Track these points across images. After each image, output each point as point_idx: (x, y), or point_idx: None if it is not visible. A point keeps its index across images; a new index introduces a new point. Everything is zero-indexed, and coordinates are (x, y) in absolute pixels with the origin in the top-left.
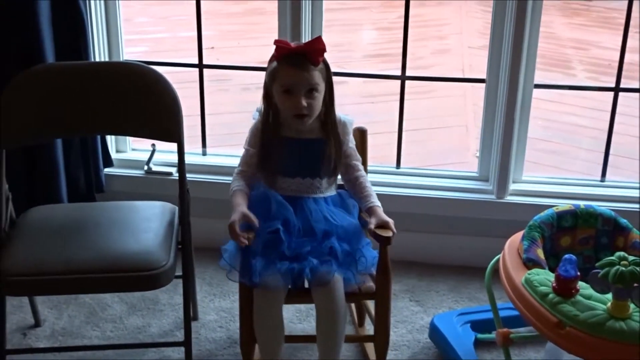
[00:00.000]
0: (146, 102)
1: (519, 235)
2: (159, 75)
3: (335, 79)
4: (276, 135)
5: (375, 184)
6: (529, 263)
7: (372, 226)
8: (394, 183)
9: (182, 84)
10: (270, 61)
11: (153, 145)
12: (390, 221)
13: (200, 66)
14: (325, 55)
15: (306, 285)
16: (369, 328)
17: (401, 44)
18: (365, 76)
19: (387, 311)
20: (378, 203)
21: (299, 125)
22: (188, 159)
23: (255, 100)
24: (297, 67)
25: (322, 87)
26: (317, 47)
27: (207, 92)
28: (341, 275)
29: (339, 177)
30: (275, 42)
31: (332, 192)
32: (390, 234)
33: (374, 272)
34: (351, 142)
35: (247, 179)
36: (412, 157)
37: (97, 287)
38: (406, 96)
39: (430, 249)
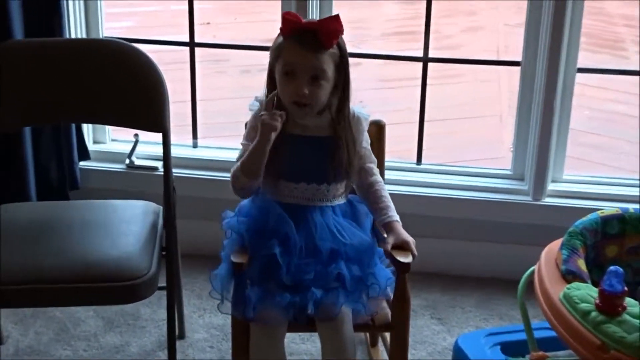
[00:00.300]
0: (128, 85)
1: (557, 243)
2: (143, 55)
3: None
4: (280, 131)
5: (392, 182)
6: (569, 276)
7: (388, 246)
8: (413, 181)
9: (171, 65)
10: (277, 37)
11: (136, 135)
12: (411, 241)
13: (192, 44)
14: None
15: (310, 310)
16: (382, 350)
17: (424, 20)
18: (383, 57)
19: (405, 344)
20: (397, 217)
21: (299, 117)
22: (176, 152)
23: (256, 84)
24: (303, 46)
25: (330, 75)
26: (331, 26)
27: (200, 75)
28: (350, 308)
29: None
30: (284, 14)
31: (341, 200)
32: (410, 259)
33: (390, 294)
34: (365, 142)
35: None
36: (436, 152)
37: (69, 299)
38: (430, 81)
39: (455, 259)
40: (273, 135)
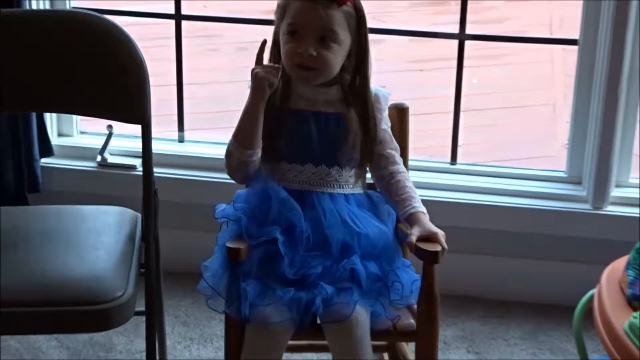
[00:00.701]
0: (99, 66)
1: (622, 262)
2: (118, 29)
3: (370, 36)
4: (283, 105)
5: (420, 186)
6: (635, 302)
7: (413, 238)
8: (447, 185)
9: (153, 41)
10: None
11: (109, 127)
12: (440, 232)
13: (178, 17)
14: None
15: (317, 309)
16: None
17: None
18: (410, 34)
19: (433, 357)
20: (423, 209)
21: (305, 82)
22: (158, 147)
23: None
24: (313, 2)
25: (342, 38)
26: None
27: (188, 54)
28: (366, 308)
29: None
30: None
31: (356, 189)
32: (438, 248)
33: (414, 303)
34: (385, 124)
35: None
36: (474, 149)
37: (27, 326)
38: (467, 62)
39: (497, 280)
40: (268, 91)
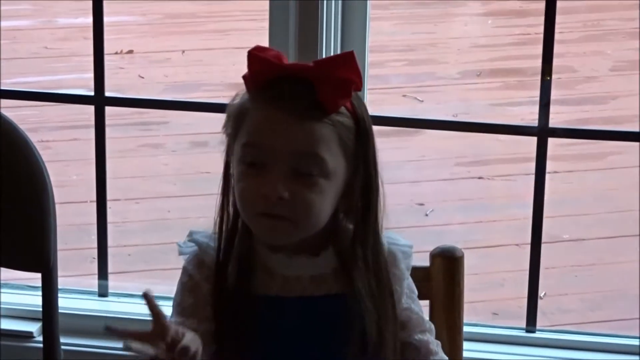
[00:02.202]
0: None
1: None
2: (6, 123)
3: (401, 128)
4: (242, 290)
5: None
6: None
7: None
8: None
9: (58, 132)
10: (237, 95)
11: None
12: None
13: (100, 100)
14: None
15: None
16: None
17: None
18: (457, 127)
19: None
20: None
21: (271, 239)
22: (68, 305)
23: (220, 171)
24: (282, 107)
25: (333, 166)
26: (342, 73)
27: (116, 152)
28: None
29: None
30: (251, 51)
31: None
32: None
33: None
34: (408, 297)
35: None
36: (566, 303)
37: None
38: (552, 166)
39: None
40: None
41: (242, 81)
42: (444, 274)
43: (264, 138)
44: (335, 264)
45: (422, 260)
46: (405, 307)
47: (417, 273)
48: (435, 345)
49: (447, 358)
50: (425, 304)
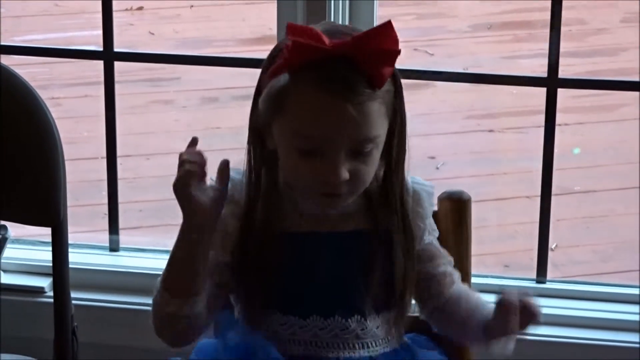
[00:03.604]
0: None
1: None
2: (13, 78)
3: (412, 82)
4: (270, 231)
5: None
6: None
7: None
8: None
9: (69, 88)
10: (274, 70)
11: (3, 229)
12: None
13: (108, 55)
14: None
15: None
16: None
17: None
18: (468, 79)
19: None
20: None
21: (327, 209)
22: (79, 260)
23: (232, 124)
24: (335, 94)
25: (382, 136)
26: (384, 45)
27: (127, 109)
28: None
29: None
30: (290, 27)
31: (388, 344)
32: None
33: None
34: (430, 233)
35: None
36: (576, 254)
37: None
38: (562, 118)
39: None
40: (204, 207)
41: (251, 36)
42: (452, 218)
43: (321, 129)
44: (363, 203)
45: None
46: (428, 242)
47: None
48: (455, 276)
49: (464, 285)
50: None
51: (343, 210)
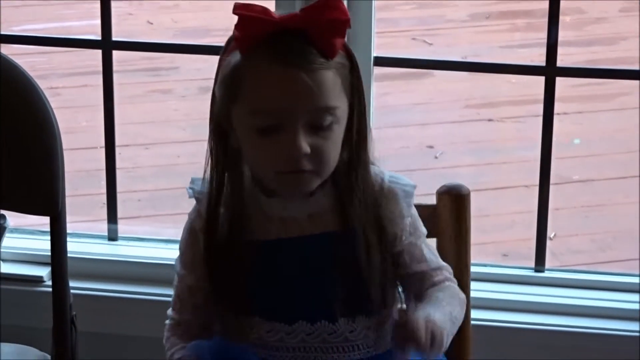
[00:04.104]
0: None
1: None
2: (13, 69)
3: (410, 72)
4: (239, 237)
5: (486, 305)
6: None
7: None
8: (530, 304)
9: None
10: (227, 53)
11: (2, 218)
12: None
13: (107, 44)
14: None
15: None
16: None
17: None
18: (470, 67)
19: None
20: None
21: (293, 192)
22: (78, 249)
23: None
24: (289, 64)
25: (342, 108)
26: (333, 15)
27: (125, 98)
28: None
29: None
30: (236, 5)
31: (382, 345)
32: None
33: None
34: (411, 233)
35: (191, 335)
36: (574, 243)
37: None
38: (561, 107)
39: None
40: None
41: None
42: (451, 211)
43: (278, 102)
44: (331, 201)
45: (431, 201)
46: (408, 242)
47: (425, 211)
48: (446, 271)
49: (454, 280)
50: (433, 242)
51: (311, 210)
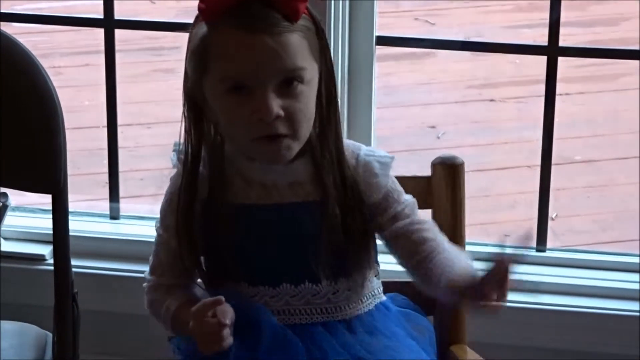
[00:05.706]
0: None
1: None
2: (15, 46)
3: (412, 52)
4: (221, 201)
5: None
6: None
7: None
8: (532, 284)
9: (70, 57)
10: (194, 26)
11: (3, 197)
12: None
13: (109, 22)
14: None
15: None
16: None
17: None
18: (471, 46)
19: None
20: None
21: (274, 160)
22: (79, 228)
23: None
24: (252, 28)
25: (311, 71)
26: None
27: (127, 77)
28: None
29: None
30: None
31: (365, 305)
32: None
33: None
34: (391, 200)
35: (172, 294)
36: (576, 224)
37: None
38: (563, 87)
39: None
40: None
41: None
42: (445, 182)
43: (245, 66)
44: (310, 171)
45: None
46: (396, 208)
47: (419, 183)
48: (424, 221)
49: (441, 237)
50: (428, 213)
51: (292, 179)
